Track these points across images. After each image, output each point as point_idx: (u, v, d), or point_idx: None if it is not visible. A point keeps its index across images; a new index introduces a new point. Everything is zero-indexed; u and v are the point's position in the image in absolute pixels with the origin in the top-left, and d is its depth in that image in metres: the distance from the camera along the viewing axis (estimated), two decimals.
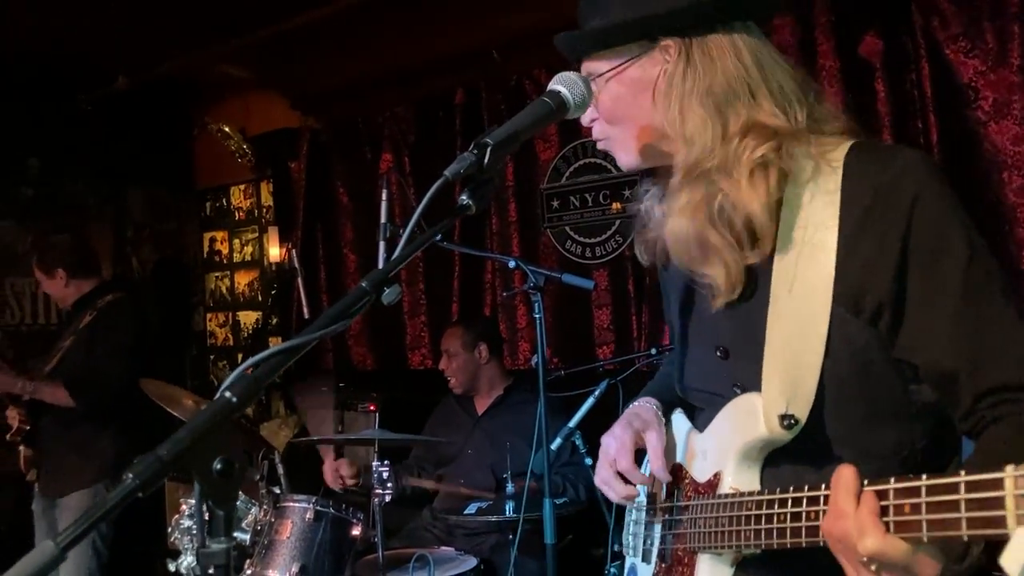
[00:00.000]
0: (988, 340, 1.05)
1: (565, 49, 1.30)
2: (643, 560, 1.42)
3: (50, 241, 3.85)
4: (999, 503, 0.79)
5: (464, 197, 1.12)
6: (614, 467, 1.35)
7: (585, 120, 1.30)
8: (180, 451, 0.87)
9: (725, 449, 1.20)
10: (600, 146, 1.32)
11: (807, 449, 1.13)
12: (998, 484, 0.79)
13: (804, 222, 1.14)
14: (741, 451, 1.17)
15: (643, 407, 1.44)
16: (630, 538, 1.48)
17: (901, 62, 3.27)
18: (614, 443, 1.37)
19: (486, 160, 1.10)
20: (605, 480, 1.38)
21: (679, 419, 1.39)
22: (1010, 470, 0.78)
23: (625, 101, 1.25)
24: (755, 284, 1.19)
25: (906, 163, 1.11)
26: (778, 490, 1.09)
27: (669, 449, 1.36)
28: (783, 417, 1.10)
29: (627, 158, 1.29)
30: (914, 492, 0.88)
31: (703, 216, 1.17)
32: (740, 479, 1.17)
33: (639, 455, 1.36)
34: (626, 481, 1.36)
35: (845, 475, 0.94)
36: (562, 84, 1.22)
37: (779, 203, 1.16)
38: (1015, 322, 1.06)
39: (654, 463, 1.33)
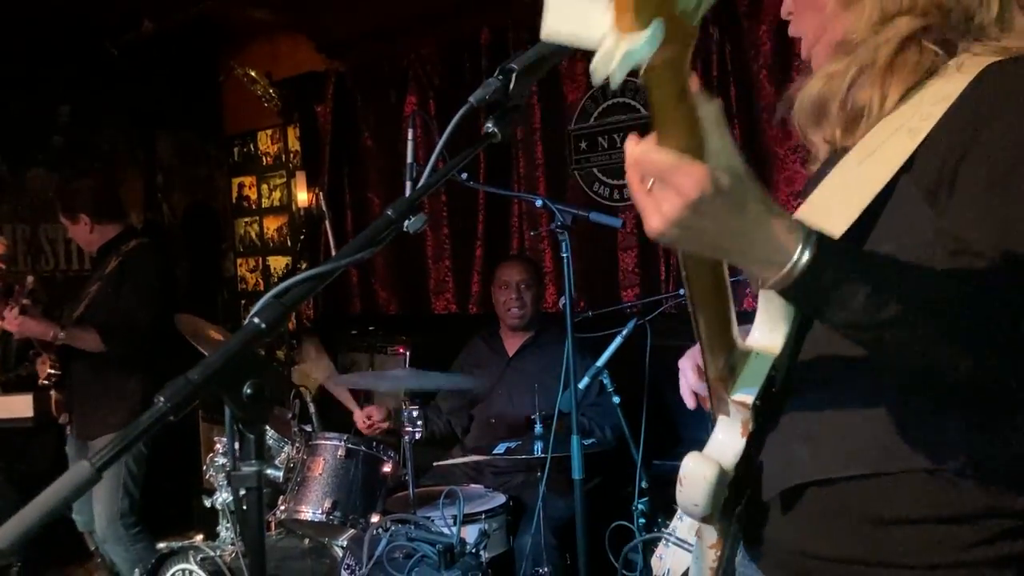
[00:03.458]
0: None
1: None
2: None
3: (73, 187, 3.87)
4: None
5: (489, 124, 1.10)
6: None
7: (784, 11, 1.24)
8: (209, 374, 0.88)
9: None
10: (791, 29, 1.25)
11: None
12: None
13: (911, 112, 1.05)
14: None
15: None
16: None
17: None
18: None
19: (512, 86, 1.08)
20: None
21: None
22: None
23: None
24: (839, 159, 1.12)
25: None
26: None
27: None
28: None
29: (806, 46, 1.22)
30: None
31: (833, 85, 1.11)
32: (762, 329, 1.11)
33: None
34: None
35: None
36: None
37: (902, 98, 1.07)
38: None
39: None
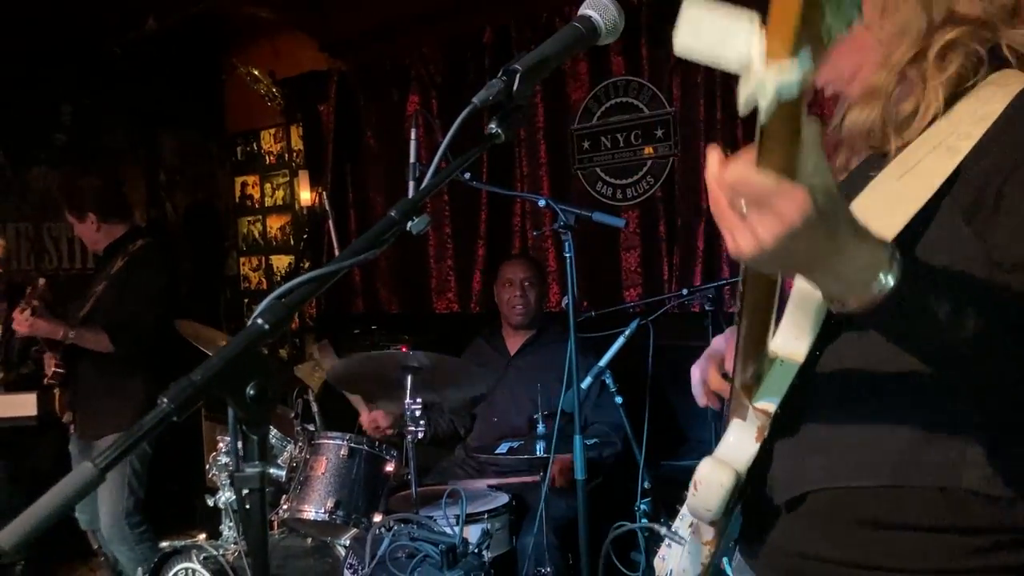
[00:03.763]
0: None
1: None
2: None
3: (79, 184, 3.84)
4: None
5: (493, 125, 1.10)
6: None
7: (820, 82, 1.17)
8: (212, 375, 0.88)
9: None
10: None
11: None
12: None
13: (949, 130, 1.04)
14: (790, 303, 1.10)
15: None
16: None
17: None
18: None
19: (515, 87, 1.08)
20: None
21: None
22: None
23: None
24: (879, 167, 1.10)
25: None
26: None
27: None
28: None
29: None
30: None
31: (880, 107, 1.09)
32: (787, 335, 1.07)
33: None
34: None
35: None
36: (593, 9, 1.19)
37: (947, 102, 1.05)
38: None
39: None
